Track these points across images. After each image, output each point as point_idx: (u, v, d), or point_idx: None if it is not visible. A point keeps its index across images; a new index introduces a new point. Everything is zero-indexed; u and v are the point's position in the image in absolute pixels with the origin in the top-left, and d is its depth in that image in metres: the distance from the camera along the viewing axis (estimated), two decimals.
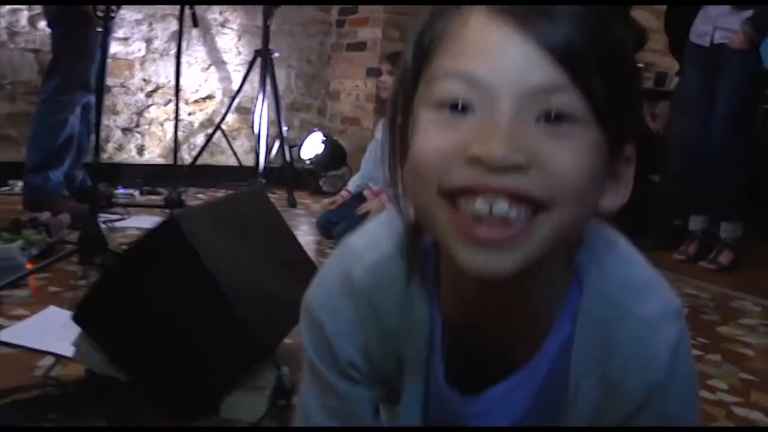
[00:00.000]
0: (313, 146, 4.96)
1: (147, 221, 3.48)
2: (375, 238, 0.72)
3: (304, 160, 4.99)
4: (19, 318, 1.98)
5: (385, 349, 0.72)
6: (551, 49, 0.54)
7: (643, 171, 4.08)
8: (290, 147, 4.88)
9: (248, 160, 5.18)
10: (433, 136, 0.57)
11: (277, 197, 4.75)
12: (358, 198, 3.63)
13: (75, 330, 1.59)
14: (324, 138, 4.93)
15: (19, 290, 2.18)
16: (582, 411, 0.68)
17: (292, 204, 4.47)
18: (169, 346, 1.46)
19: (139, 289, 1.45)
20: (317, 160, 4.96)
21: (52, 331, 1.85)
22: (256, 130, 5.12)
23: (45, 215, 2.66)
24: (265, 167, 5.14)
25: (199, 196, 4.51)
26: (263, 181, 4.99)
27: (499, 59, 0.55)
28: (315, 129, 5.03)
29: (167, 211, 3.58)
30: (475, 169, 0.54)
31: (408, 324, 0.70)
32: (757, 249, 3.65)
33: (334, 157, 5.02)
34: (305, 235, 3.67)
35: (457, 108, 0.56)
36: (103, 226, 2.71)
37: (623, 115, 0.59)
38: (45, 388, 1.54)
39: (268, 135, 5.11)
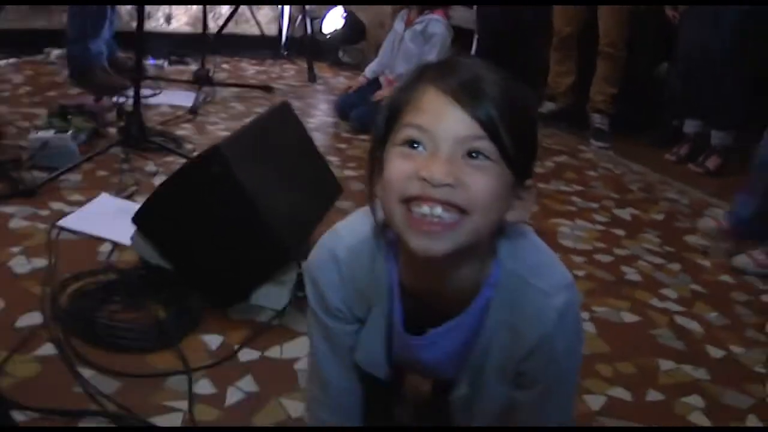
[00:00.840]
0: (333, 21, 5.12)
1: (179, 97, 3.74)
2: (355, 225, 1.04)
3: (324, 34, 5.15)
4: (76, 203, 2.30)
5: (360, 300, 1.05)
6: (475, 117, 0.84)
7: (654, 58, 4.28)
8: (311, 19, 5.04)
9: (271, 30, 5.36)
10: (398, 163, 0.87)
11: (297, 69, 4.98)
12: (374, 84, 3.85)
13: (127, 217, 1.90)
14: (345, 13, 5.07)
15: (73, 175, 2.49)
16: (496, 348, 1.00)
17: (312, 79, 4.68)
18: (212, 248, 1.78)
19: (188, 201, 1.75)
20: (337, 34, 5.13)
21: (106, 219, 2.18)
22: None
23: (88, 100, 2.92)
24: (287, 38, 5.34)
25: (225, 66, 4.73)
26: (285, 53, 5.21)
27: (441, 118, 0.85)
28: (336, 4, 5.16)
29: (196, 85, 3.83)
30: (422, 185, 0.84)
31: (376, 284, 1.02)
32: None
33: (354, 31, 5.19)
34: (323, 116, 3.94)
35: (413, 145, 0.86)
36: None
37: (524, 159, 0.89)
38: (107, 274, 1.88)
39: (291, 7, 5.28)
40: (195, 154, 2.85)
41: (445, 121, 0.84)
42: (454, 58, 0.93)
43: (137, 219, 1.82)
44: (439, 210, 0.84)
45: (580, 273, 2.37)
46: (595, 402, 1.68)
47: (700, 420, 1.68)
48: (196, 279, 1.82)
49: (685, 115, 3.94)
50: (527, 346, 0.96)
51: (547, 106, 4.42)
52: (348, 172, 3.02)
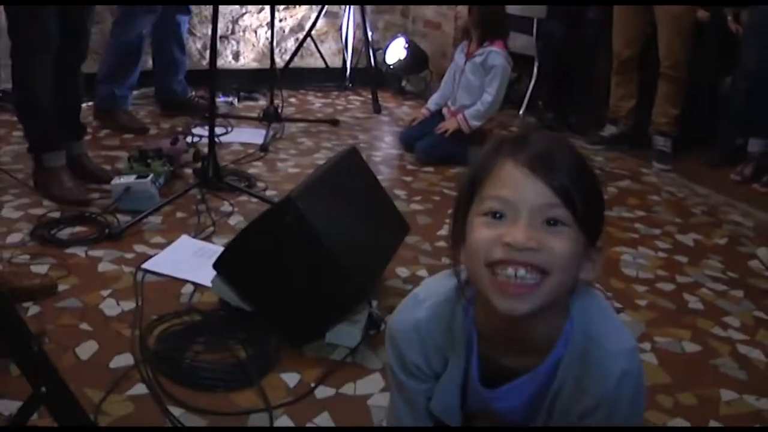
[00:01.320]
0: (396, 51, 5.23)
1: (249, 134, 3.91)
2: (434, 287, 1.14)
3: (388, 65, 5.27)
4: (158, 245, 2.45)
5: (438, 355, 1.14)
6: (551, 186, 0.93)
7: (717, 73, 4.27)
8: (375, 50, 5.17)
9: (335, 62, 5.51)
10: (482, 231, 0.96)
11: (361, 100, 5.11)
12: (437, 115, 3.95)
13: (206, 258, 2.03)
14: (407, 44, 5.19)
15: (154, 217, 2.65)
16: (562, 401, 1.08)
17: (377, 110, 4.79)
18: (288, 290, 1.90)
19: (265, 248, 1.88)
20: (400, 64, 5.24)
21: (187, 261, 2.33)
22: (343, 34, 5.44)
23: (165, 144, 3.09)
24: (351, 69, 5.48)
25: (292, 100, 4.89)
26: (350, 84, 5.35)
27: (521, 189, 0.94)
28: (399, 35, 5.28)
29: (265, 122, 3.98)
30: (507, 250, 0.93)
31: (455, 341, 1.11)
32: None
33: (417, 61, 5.28)
34: (388, 148, 4.05)
35: (496, 216, 0.96)
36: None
37: (595, 223, 0.99)
38: (191, 315, 2.01)
39: (354, 38, 5.42)
40: (266, 191, 3.01)
41: (524, 191, 0.94)
42: (527, 131, 1.04)
43: (218, 265, 1.94)
44: (522, 272, 0.93)
45: (642, 302, 2.42)
46: None
47: None
48: (273, 319, 1.94)
49: (749, 134, 3.92)
50: (591, 401, 1.05)
51: (609, 129, 4.45)
52: (414, 206, 3.12)
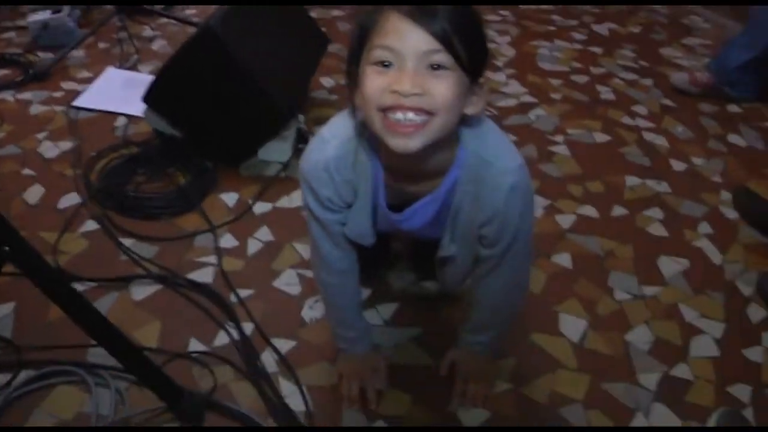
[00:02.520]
0: None
1: None
2: (338, 129, 1.20)
3: None
4: (86, 80, 2.48)
5: (348, 188, 1.23)
6: (432, 33, 0.99)
7: None
8: None
9: None
10: (372, 79, 1.02)
11: None
12: None
13: (135, 89, 2.07)
14: None
15: (76, 51, 2.65)
16: (462, 214, 1.22)
17: None
18: (217, 114, 1.97)
19: (190, 78, 1.92)
20: None
21: (117, 93, 2.37)
22: None
23: None
24: None
25: None
26: None
27: (404, 39, 0.99)
28: None
29: None
30: (395, 96, 1.00)
31: (361, 174, 1.21)
32: None
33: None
34: None
35: (384, 64, 1.01)
36: None
37: (477, 63, 1.05)
38: (128, 148, 2.09)
39: None
40: (187, 11, 3.00)
41: (408, 40, 0.99)
42: None
43: (147, 98, 2.00)
44: (411, 115, 1.00)
45: (557, 96, 2.56)
46: (565, 221, 1.93)
47: (658, 230, 1.94)
48: (207, 144, 2.04)
49: None
50: (486, 213, 1.18)
51: None
52: (335, 12, 3.14)
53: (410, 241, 1.61)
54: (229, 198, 1.94)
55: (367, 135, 1.15)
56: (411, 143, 1.02)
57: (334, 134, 1.19)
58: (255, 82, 1.90)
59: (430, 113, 1.00)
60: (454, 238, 1.25)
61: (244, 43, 1.91)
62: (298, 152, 2.09)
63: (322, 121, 2.03)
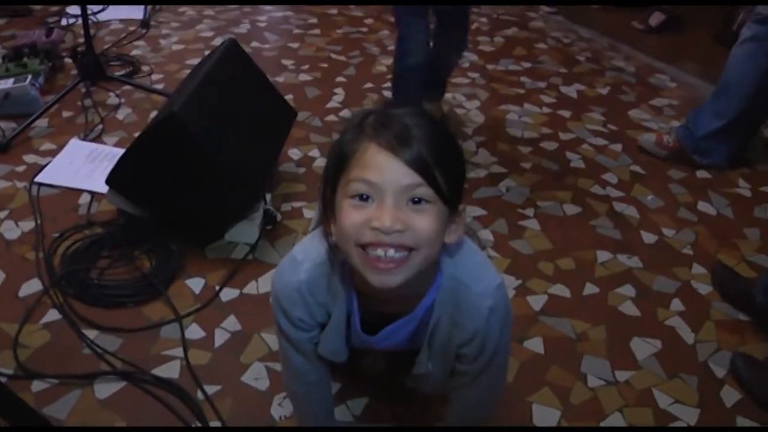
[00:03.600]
0: None
1: (127, 9, 3.74)
2: (310, 250, 1.17)
3: None
4: (48, 153, 2.43)
5: (321, 309, 1.20)
6: (412, 165, 0.96)
7: None
8: None
9: None
10: (351, 214, 0.99)
11: None
12: None
13: (99, 162, 2.03)
14: None
15: (40, 120, 2.59)
16: (440, 335, 1.19)
17: None
18: (183, 196, 1.94)
19: (154, 161, 1.89)
20: None
21: (81, 167, 2.33)
22: None
23: (39, 37, 2.96)
24: None
25: None
26: None
27: (384, 173, 0.97)
28: None
29: None
30: (375, 233, 0.98)
31: (334, 297, 1.18)
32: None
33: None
34: (274, 11, 3.96)
35: (363, 198, 0.99)
36: (90, 20, 3.05)
37: (457, 194, 1.03)
38: (92, 228, 2.05)
39: None
40: (152, 75, 2.99)
41: (388, 174, 0.96)
42: (387, 110, 1.03)
43: (110, 181, 1.96)
44: (391, 252, 0.97)
45: (527, 165, 2.56)
46: (536, 302, 1.92)
47: (630, 309, 1.92)
48: (172, 226, 2.00)
49: None
50: (465, 334, 1.16)
51: None
52: (302, 77, 3.13)
53: (384, 354, 1.58)
54: (196, 284, 1.90)
55: (340, 260, 1.11)
56: (392, 279, 0.99)
57: (307, 256, 1.16)
58: (221, 166, 1.87)
59: (411, 248, 0.98)
60: (431, 356, 1.22)
61: (210, 127, 1.88)
62: (266, 233, 2.06)
63: (290, 197, 2.02)
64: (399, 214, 0.95)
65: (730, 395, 1.71)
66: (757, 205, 2.48)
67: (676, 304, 1.96)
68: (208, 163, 1.85)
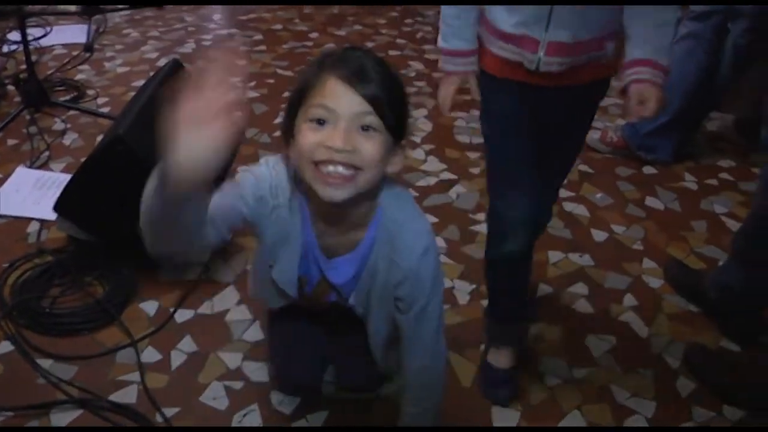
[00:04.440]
0: None
1: (71, 32, 3.71)
2: (276, 167, 1.24)
3: None
4: None
5: (280, 218, 1.25)
6: (365, 97, 1.09)
7: None
8: None
9: None
10: (308, 135, 1.11)
11: None
12: None
13: (47, 189, 2.01)
14: None
15: None
16: (380, 275, 1.28)
17: None
18: (133, 220, 1.92)
19: (101, 184, 1.87)
20: None
21: (28, 195, 2.30)
22: None
23: None
24: None
25: None
26: None
27: (340, 101, 1.09)
28: None
29: (87, 18, 3.78)
30: (328, 151, 1.10)
31: (294, 213, 1.25)
32: None
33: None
34: (219, 28, 3.96)
35: (320, 122, 1.11)
36: (31, 46, 3.02)
37: (401, 128, 1.16)
38: (42, 256, 2.02)
39: None
40: (97, 99, 2.96)
41: (343, 102, 1.10)
42: (347, 51, 1.17)
43: (58, 207, 1.94)
44: (340, 168, 1.10)
45: (476, 170, 2.59)
46: None
47: (584, 307, 1.95)
48: (123, 249, 1.97)
49: None
50: (401, 273, 1.25)
51: None
52: (250, 93, 3.13)
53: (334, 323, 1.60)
54: (150, 306, 1.89)
55: (297, 182, 1.23)
56: (339, 193, 1.12)
57: (276, 163, 1.25)
58: None
59: (357, 168, 1.11)
60: (370, 299, 1.33)
61: (156, 148, 1.87)
62: (218, 251, 2.05)
63: None
64: (350, 136, 1.10)
65: (686, 385, 1.75)
66: (703, 198, 2.54)
67: (629, 300, 2.00)
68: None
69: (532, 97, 1.41)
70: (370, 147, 1.11)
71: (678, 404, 1.70)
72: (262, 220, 1.25)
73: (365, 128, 1.11)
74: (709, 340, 1.89)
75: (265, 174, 1.23)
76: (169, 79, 2.15)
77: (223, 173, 2.22)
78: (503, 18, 1.35)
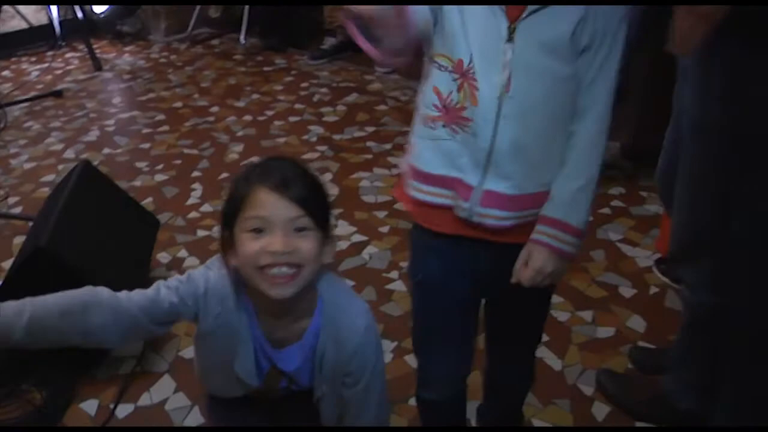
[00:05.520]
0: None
1: None
2: (216, 275, 1.34)
3: (97, 14, 5.08)
4: None
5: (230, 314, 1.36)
6: (294, 201, 1.21)
7: None
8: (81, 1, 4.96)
9: (41, 19, 5.22)
10: (250, 244, 1.23)
11: (80, 56, 4.93)
12: None
13: None
14: None
15: None
16: (328, 358, 1.36)
17: (98, 67, 4.67)
18: None
19: (29, 291, 1.94)
20: (111, 12, 5.07)
21: None
22: None
23: None
24: (60, 24, 5.20)
25: (5, 73, 4.67)
26: (62, 42, 5.13)
27: (273, 209, 1.21)
28: None
29: None
30: (271, 256, 1.21)
31: (241, 312, 1.35)
32: None
33: (127, 6, 5.14)
34: (120, 112, 4.02)
35: (257, 231, 1.22)
36: None
37: (327, 223, 1.28)
38: None
39: None
40: (8, 199, 3.00)
41: (276, 210, 1.21)
42: (269, 162, 1.29)
43: None
44: (284, 269, 1.22)
45: (385, 229, 2.74)
46: (413, 360, 2.05)
47: None
48: (57, 352, 2.03)
49: None
50: (348, 352, 1.36)
51: (329, 41, 4.69)
52: (159, 177, 3.22)
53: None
54: (90, 406, 1.96)
55: (239, 285, 1.33)
56: (286, 291, 1.24)
57: (217, 272, 1.34)
58: (95, 280, 1.94)
59: (299, 266, 1.23)
60: (322, 379, 1.41)
61: (79, 252, 1.97)
62: (149, 343, 2.14)
63: None
64: (288, 240, 1.22)
65: (601, 410, 1.91)
66: (598, 227, 2.72)
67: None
68: (81, 281, 1.91)
69: (467, 253, 1.32)
70: (307, 245, 1.23)
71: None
72: (207, 321, 1.35)
73: (299, 229, 1.22)
74: (618, 365, 2.06)
75: (207, 278, 1.33)
76: (81, 183, 2.24)
77: (145, 262, 2.33)
78: (428, 157, 1.27)
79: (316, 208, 1.25)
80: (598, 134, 1.25)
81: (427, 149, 1.27)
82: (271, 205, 1.22)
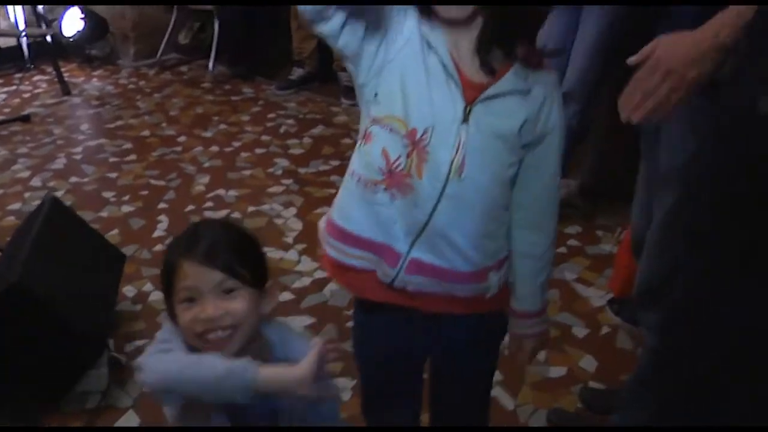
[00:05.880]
0: (72, 23, 5.04)
1: None
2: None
3: (67, 37, 5.09)
4: None
5: None
6: (220, 269, 1.24)
7: None
8: (49, 23, 4.98)
9: (8, 42, 5.23)
10: (184, 315, 1.25)
11: (48, 80, 4.95)
12: None
13: None
14: (83, 14, 5.01)
15: None
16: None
17: (66, 91, 4.70)
18: (28, 359, 2.04)
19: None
20: (80, 35, 5.09)
21: None
22: (9, 11, 5.13)
23: None
24: (28, 47, 5.21)
25: None
26: (31, 65, 5.14)
27: (199, 279, 1.23)
28: (71, 6, 5.06)
29: None
30: (205, 323, 1.24)
31: None
32: None
33: (96, 27, 5.16)
34: (88, 140, 4.05)
35: (189, 300, 1.25)
36: None
37: (261, 277, 1.30)
38: None
39: (24, 13, 5.12)
40: None
41: (202, 279, 1.24)
42: (193, 229, 1.32)
43: None
44: (219, 332, 1.25)
45: None
46: None
47: None
48: (21, 387, 2.09)
49: None
50: None
51: (297, 72, 4.76)
52: (125, 208, 3.26)
53: None
54: None
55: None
56: (227, 352, 1.25)
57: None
58: (61, 322, 2.00)
59: (234, 326, 1.25)
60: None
61: (48, 287, 2.02)
62: (114, 378, 2.18)
63: (132, 336, 2.17)
64: (217, 304, 1.24)
65: None
66: (554, 266, 2.80)
67: (496, 375, 2.20)
68: (54, 325, 1.98)
69: (404, 329, 1.37)
70: (238, 305, 1.25)
71: None
72: None
73: (228, 291, 1.25)
74: (568, 404, 2.13)
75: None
76: (49, 219, 2.28)
77: (111, 296, 2.38)
78: (358, 219, 1.25)
79: (245, 267, 1.27)
80: (549, 201, 1.33)
81: (359, 210, 1.24)
82: (196, 275, 1.24)
